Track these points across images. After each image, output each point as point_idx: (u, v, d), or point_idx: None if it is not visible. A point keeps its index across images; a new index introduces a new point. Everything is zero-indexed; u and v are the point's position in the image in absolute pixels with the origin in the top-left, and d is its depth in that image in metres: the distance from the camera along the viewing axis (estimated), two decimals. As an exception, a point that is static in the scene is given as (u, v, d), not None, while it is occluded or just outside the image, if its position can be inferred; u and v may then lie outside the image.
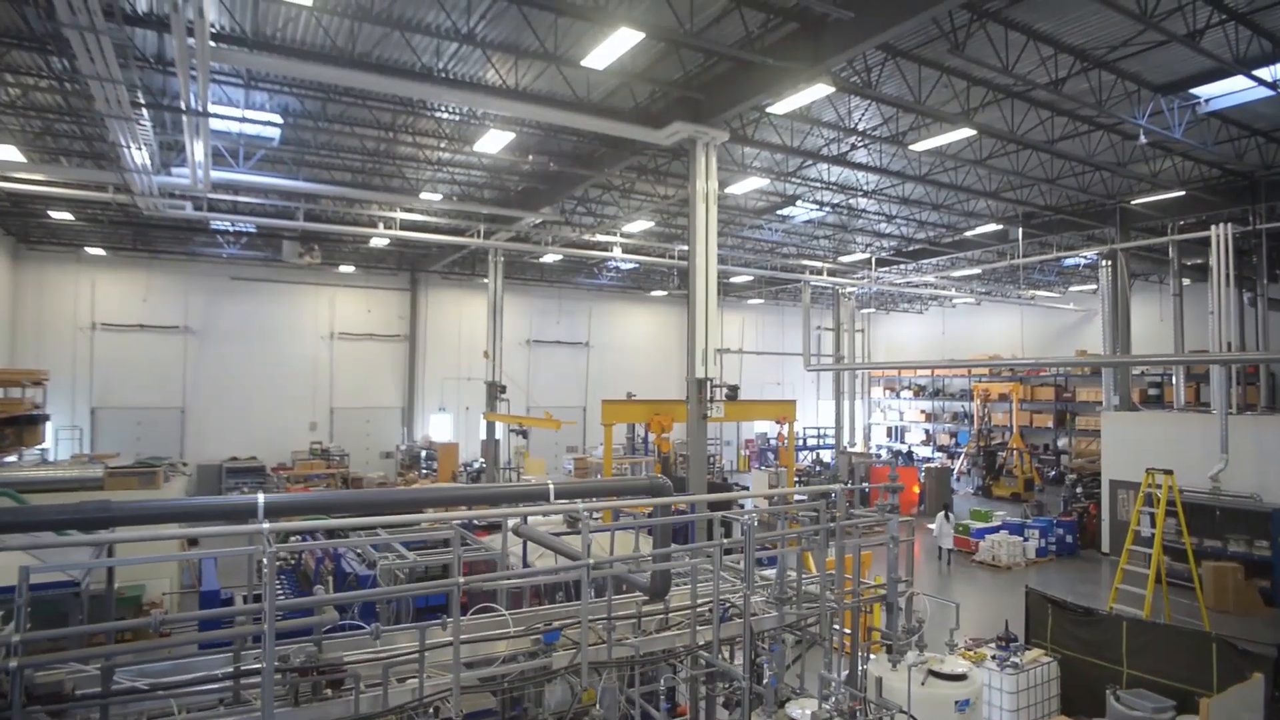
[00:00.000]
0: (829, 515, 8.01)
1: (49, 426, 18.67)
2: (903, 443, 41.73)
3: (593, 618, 6.32)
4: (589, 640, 6.07)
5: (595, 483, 9.38)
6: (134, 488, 13.24)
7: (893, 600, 8.42)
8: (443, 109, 15.25)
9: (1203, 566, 15.66)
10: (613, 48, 11.17)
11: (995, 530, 19.80)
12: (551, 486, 7.21)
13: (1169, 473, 13.04)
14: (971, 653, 10.31)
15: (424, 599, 9.44)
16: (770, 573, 8.23)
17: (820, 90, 12.27)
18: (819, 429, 40.11)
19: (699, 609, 7.05)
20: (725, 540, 7.40)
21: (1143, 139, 14.82)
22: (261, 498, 5.85)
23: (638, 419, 18.63)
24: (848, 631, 8.33)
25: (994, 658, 10.12)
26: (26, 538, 5.30)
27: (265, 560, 4.83)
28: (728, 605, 7.50)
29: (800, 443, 36.79)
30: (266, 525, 5.19)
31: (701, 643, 7.03)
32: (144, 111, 12.06)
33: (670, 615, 7.31)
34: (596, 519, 10.18)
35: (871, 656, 8.65)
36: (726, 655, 7.53)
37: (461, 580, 5.49)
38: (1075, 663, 10.56)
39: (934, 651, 8.25)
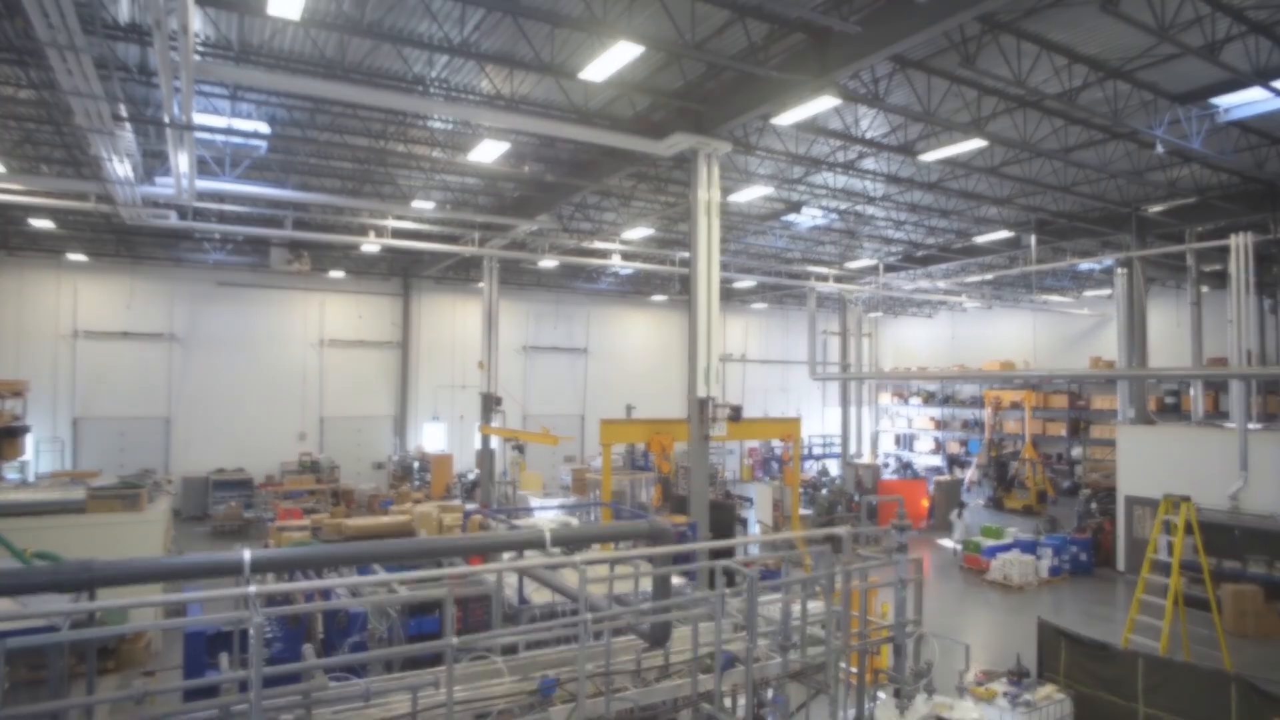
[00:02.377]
0: (834, 561, 7.73)
1: (30, 438, 18.17)
2: (911, 450, 41.10)
3: (590, 668, 6.15)
4: (587, 692, 5.97)
5: (593, 528, 9.20)
6: (117, 510, 12.95)
7: (901, 643, 8.05)
8: (435, 118, 14.85)
9: (1221, 589, 15.20)
10: (611, 60, 10.76)
11: (1007, 549, 19.31)
12: (547, 534, 7.07)
13: (1186, 499, 12.59)
14: (982, 689, 9.97)
15: (417, 626, 9.27)
16: (774, 599, 7.93)
17: (826, 102, 11.85)
18: (825, 437, 39.52)
19: (700, 657, 6.83)
20: (728, 590, 7.15)
21: (1159, 149, 14.36)
22: (248, 554, 5.70)
23: (637, 439, 18.20)
24: (854, 670, 8.02)
25: (1005, 694, 9.78)
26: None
27: (253, 631, 4.68)
28: (730, 655, 7.18)
29: (806, 451, 36.22)
30: (253, 589, 5.03)
31: (702, 692, 6.79)
32: (126, 124, 11.67)
33: (670, 664, 7.08)
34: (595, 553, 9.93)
35: (880, 695, 8.31)
36: (729, 704, 7.24)
37: (455, 641, 5.48)
38: (1090, 700, 10.23)
39: (943, 693, 7.92)
